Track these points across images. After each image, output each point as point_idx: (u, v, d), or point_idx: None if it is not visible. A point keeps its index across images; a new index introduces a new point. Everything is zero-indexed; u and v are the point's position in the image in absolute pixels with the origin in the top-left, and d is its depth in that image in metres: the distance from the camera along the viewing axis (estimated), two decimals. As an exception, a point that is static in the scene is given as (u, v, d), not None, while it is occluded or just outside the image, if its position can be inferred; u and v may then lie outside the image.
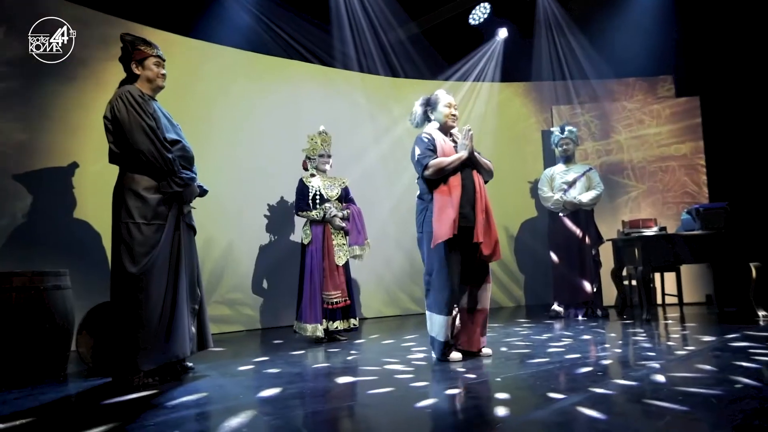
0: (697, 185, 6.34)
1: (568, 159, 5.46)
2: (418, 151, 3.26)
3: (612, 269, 5.55)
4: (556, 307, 5.32)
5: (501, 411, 2.07)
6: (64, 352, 3.18)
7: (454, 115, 3.39)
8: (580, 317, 5.15)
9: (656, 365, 2.83)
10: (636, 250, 4.91)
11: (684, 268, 5.79)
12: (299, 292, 4.32)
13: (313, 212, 4.33)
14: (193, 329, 3.01)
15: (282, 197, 5.48)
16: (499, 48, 7.08)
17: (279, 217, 5.47)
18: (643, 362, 2.93)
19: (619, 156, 6.51)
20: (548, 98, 6.91)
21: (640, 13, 6.59)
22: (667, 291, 5.91)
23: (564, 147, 5.43)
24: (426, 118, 3.49)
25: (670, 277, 5.85)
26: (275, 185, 5.43)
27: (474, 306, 3.30)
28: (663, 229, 5.12)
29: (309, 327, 4.18)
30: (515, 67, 7.09)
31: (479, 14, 6.94)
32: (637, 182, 6.45)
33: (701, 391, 2.25)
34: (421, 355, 3.41)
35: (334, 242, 4.33)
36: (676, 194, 6.37)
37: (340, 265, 4.31)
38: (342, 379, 2.81)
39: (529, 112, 6.97)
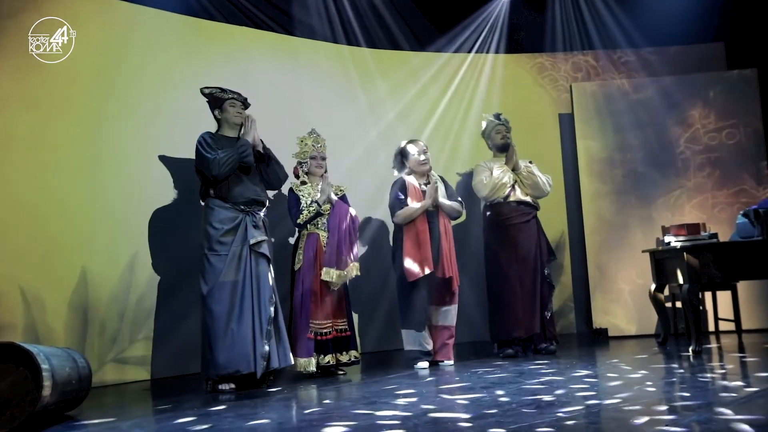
0: (755, 180, 6.31)
1: (505, 150, 5.50)
2: (390, 198, 4.92)
3: (651, 289, 5.49)
4: (510, 349, 5.08)
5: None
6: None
7: (424, 162, 4.94)
8: (530, 350, 5.16)
9: (709, 411, 2.79)
10: (680, 265, 4.86)
11: (742, 286, 5.74)
12: (289, 324, 4.61)
13: (303, 213, 4.65)
14: (266, 347, 4.10)
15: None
16: (504, 11, 7.03)
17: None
18: (693, 406, 2.89)
19: (656, 145, 6.46)
20: (566, 74, 6.94)
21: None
22: (721, 315, 5.88)
23: (503, 135, 5.49)
24: (402, 165, 5.08)
25: (724, 297, 5.80)
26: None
27: (439, 323, 4.85)
28: (714, 236, 5.07)
29: (301, 361, 4.47)
30: (525, 36, 7.11)
31: (479, -31, 6.93)
32: (679, 178, 6.42)
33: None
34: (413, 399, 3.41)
35: None
36: (729, 192, 6.33)
37: (333, 288, 4.61)
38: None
39: (543, 90, 6.98)
